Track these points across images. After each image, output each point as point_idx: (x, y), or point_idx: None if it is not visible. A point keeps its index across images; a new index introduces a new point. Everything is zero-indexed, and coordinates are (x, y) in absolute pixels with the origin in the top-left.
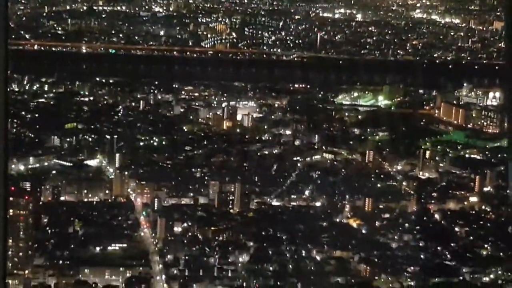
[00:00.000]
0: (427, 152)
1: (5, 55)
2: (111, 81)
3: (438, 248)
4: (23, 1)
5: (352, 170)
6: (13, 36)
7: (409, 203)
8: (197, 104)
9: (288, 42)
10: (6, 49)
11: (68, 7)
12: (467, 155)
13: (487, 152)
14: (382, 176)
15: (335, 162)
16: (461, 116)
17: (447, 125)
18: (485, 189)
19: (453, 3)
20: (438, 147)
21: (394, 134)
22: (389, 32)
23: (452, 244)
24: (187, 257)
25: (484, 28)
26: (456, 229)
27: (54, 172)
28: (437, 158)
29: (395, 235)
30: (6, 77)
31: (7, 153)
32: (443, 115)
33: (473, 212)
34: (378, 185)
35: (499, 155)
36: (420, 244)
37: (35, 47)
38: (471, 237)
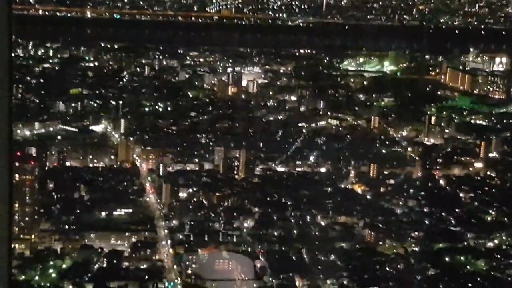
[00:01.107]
0: (433, 118)
1: (8, 20)
2: (115, 46)
3: (443, 213)
4: None
5: (357, 136)
6: (17, 1)
7: (414, 169)
8: (202, 70)
9: (294, 7)
10: (9, 13)
11: None
12: (472, 121)
13: (492, 118)
14: (387, 142)
15: (340, 128)
16: (467, 81)
17: (453, 91)
18: (490, 155)
19: None
20: (444, 113)
21: (400, 100)
22: None
23: (456, 210)
24: (192, 222)
25: None
26: (461, 194)
27: (59, 137)
28: (442, 124)
29: (400, 200)
30: (11, 42)
31: (12, 119)
32: (449, 81)
33: (478, 178)
34: (383, 151)
35: (504, 121)
36: (425, 210)
37: (40, 12)
38: (476, 203)
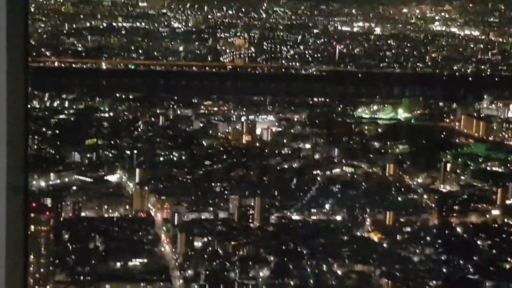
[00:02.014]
0: (448, 165)
1: (25, 72)
2: (130, 96)
3: (461, 261)
4: (43, 19)
5: (373, 183)
6: (34, 54)
7: (430, 216)
8: (216, 118)
9: (307, 56)
10: (26, 66)
11: (88, 24)
12: (488, 168)
13: (508, 165)
14: (402, 189)
15: (355, 176)
16: (482, 128)
17: (468, 138)
18: (508, 202)
19: (472, 16)
20: (459, 159)
21: (415, 147)
22: (408, 45)
23: (474, 258)
24: (207, 272)
25: (504, 40)
26: (479, 242)
27: (74, 187)
28: (458, 171)
29: (417, 248)
30: (27, 95)
31: (28, 170)
32: (463, 127)
33: (496, 225)
34: (399, 198)
35: None
36: (442, 258)
37: (56, 64)
38: (494, 251)
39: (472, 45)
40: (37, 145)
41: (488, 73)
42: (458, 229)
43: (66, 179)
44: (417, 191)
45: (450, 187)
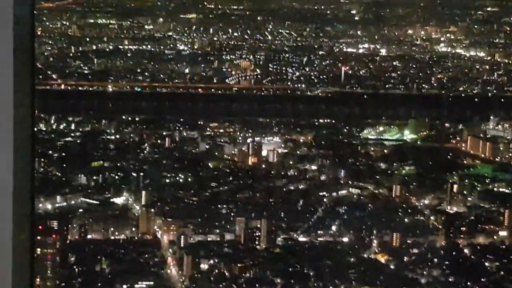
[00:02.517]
0: (455, 186)
1: (32, 96)
2: (136, 119)
3: (468, 283)
4: (50, 42)
5: (379, 204)
6: (40, 77)
7: (437, 237)
8: (222, 140)
9: (312, 77)
10: (33, 90)
11: (94, 47)
12: (495, 189)
13: None
14: (409, 210)
15: (361, 197)
16: (488, 149)
17: (475, 159)
18: None
19: (477, 37)
20: (466, 180)
21: (421, 168)
22: (414, 66)
23: (482, 279)
24: None
25: (510, 61)
26: (486, 264)
27: (81, 210)
28: (465, 192)
29: (424, 270)
30: (34, 118)
31: (34, 192)
32: (470, 148)
33: (503, 246)
34: (406, 220)
35: None
36: (450, 279)
37: (62, 86)
38: (502, 272)
39: (477, 66)
40: (43, 168)
41: (494, 94)
42: (466, 251)
43: (73, 202)
44: (424, 212)
45: (457, 208)
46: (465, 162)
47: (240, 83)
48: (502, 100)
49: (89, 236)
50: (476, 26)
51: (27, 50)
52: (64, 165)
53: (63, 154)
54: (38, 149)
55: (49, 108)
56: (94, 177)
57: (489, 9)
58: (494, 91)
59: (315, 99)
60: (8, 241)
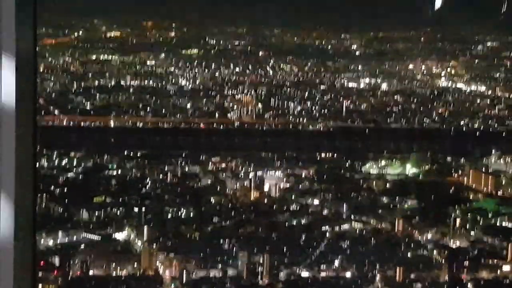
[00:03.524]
0: (457, 220)
1: (34, 132)
2: (138, 154)
3: None
4: (52, 78)
5: (382, 239)
6: (42, 113)
7: (441, 272)
8: (224, 175)
9: (314, 112)
10: (35, 127)
11: (96, 83)
12: (498, 223)
13: None
14: (412, 245)
15: (364, 232)
16: (490, 183)
17: (477, 193)
18: None
19: (478, 71)
20: (469, 215)
21: (423, 202)
22: (415, 100)
23: None
24: None
25: (511, 96)
26: None
27: (82, 246)
28: (468, 226)
29: None
30: (36, 155)
31: (36, 228)
32: (472, 182)
33: (507, 281)
34: (409, 254)
35: None
36: None
37: (64, 122)
38: None
39: (478, 101)
40: (45, 204)
41: (496, 128)
42: (469, 285)
43: (74, 237)
44: (426, 247)
45: (460, 242)
46: (467, 196)
47: (242, 118)
48: (504, 134)
49: (91, 272)
50: (476, 61)
51: (29, 88)
52: (66, 201)
53: (65, 189)
54: (40, 185)
55: (51, 144)
56: (96, 213)
57: (489, 44)
58: (496, 125)
59: (317, 134)
60: (9, 278)
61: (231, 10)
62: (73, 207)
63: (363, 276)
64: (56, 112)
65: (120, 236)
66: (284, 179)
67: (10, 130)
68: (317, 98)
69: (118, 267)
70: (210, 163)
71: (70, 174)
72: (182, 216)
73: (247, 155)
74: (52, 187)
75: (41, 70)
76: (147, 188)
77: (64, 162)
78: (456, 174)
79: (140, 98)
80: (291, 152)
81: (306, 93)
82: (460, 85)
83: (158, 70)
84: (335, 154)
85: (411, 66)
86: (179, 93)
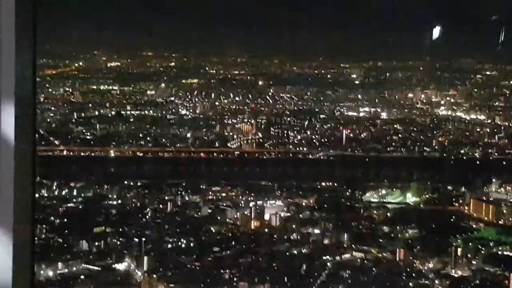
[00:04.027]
0: (459, 250)
1: (33, 163)
2: (138, 183)
3: None
4: (52, 108)
5: (383, 268)
6: (42, 143)
7: None
8: (224, 204)
9: (314, 140)
10: (34, 157)
11: (96, 113)
12: (499, 252)
13: None
14: (413, 274)
15: (365, 261)
16: (491, 212)
17: (478, 222)
18: None
19: (477, 100)
20: (470, 244)
21: (424, 231)
22: (415, 129)
23: None
24: None
25: (510, 124)
26: None
27: (82, 277)
28: (469, 255)
29: None
30: (34, 185)
31: (34, 260)
32: (473, 211)
33: None
34: (410, 284)
35: None
36: None
37: (64, 152)
38: None
39: (478, 129)
40: (45, 234)
41: (496, 156)
42: None
43: (74, 268)
44: (428, 276)
45: (461, 272)
46: (468, 225)
47: (242, 147)
48: (504, 162)
49: None
50: (475, 90)
51: (29, 118)
52: (66, 231)
53: (65, 220)
54: (40, 216)
55: (51, 174)
56: (96, 243)
57: (488, 72)
58: (496, 153)
59: (317, 162)
60: None
61: (230, 39)
62: (73, 237)
63: None
64: (57, 142)
65: (120, 266)
66: (285, 208)
67: (9, 161)
68: (317, 127)
69: None
70: (210, 192)
71: (70, 204)
72: (182, 246)
73: (247, 184)
74: (52, 217)
75: (42, 101)
76: (147, 218)
77: (64, 192)
78: (456, 203)
79: (140, 127)
80: (291, 181)
81: (306, 122)
82: (459, 113)
83: (158, 100)
84: (336, 183)
85: (410, 95)
86: (179, 123)
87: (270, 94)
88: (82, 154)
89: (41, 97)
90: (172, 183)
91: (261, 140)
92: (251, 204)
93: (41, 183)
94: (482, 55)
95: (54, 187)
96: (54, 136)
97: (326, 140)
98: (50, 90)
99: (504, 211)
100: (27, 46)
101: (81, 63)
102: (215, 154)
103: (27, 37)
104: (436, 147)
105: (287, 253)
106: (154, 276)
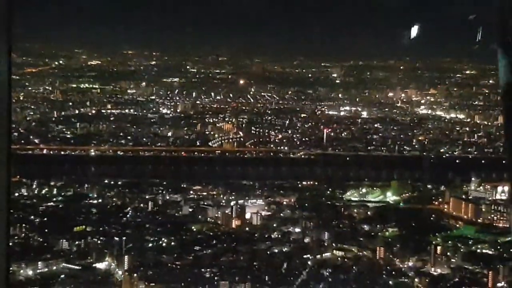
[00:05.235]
0: (438, 248)
1: (8, 162)
2: (119, 183)
3: None
4: (32, 107)
5: (363, 267)
6: (22, 141)
7: None
8: (205, 203)
9: (295, 139)
10: (9, 156)
11: (77, 111)
12: (478, 250)
13: (498, 247)
14: (393, 272)
15: (345, 259)
16: (470, 210)
17: (457, 220)
18: (499, 284)
19: (457, 99)
20: (449, 242)
21: (404, 230)
22: (395, 128)
23: None
24: None
25: (489, 123)
26: None
27: (62, 276)
28: (448, 253)
29: None
30: (10, 184)
31: (10, 261)
32: (452, 210)
33: None
34: (390, 282)
35: (511, 250)
36: None
37: (44, 151)
38: None
39: (458, 128)
40: (24, 233)
41: (475, 155)
42: None
43: (54, 267)
44: (408, 274)
45: (441, 270)
46: (448, 223)
47: (223, 146)
48: (483, 161)
49: None
50: (455, 89)
51: (3, 117)
52: (46, 230)
53: (45, 219)
54: (19, 215)
55: (31, 173)
56: (76, 242)
57: (467, 72)
58: (475, 152)
59: (298, 161)
60: None
61: (212, 38)
62: (53, 236)
63: None
64: (36, 141)
65: (100, 265)
66: (266, 207)
67: None
68: (297, 126)
69: None
70: (191, 191)
71: (50, 203)
72: (163, 245)
73: (228, 183)
74: (32, 216)
75: (21, 99)
76: (127, 217)
77: (44, 191)
78: (436, 202)
79: (121, 126)
80: (272, 180)
81: (287, 121)
82: (439, 112)
83: (138, 99)
84: (316, 182)
85: (391, 94)
86: (160, 122)
87: (251, 93)
88: (62, 153)
89: (20, 96)
90: (153, 182)
91: (242, 139)
92: (232, 203)
93: (20, 182)
94: (461, 55)
95: (34, 186)
96: (33, 135)
97: (307, 139)
98: (30, 88)
99: (483, 210)
100: (2, 44)
101: (61, 62)
102: (196, 153)
103: (2, 35)
104: (416, 146)
105: (268, 252)
106: (135, 275)
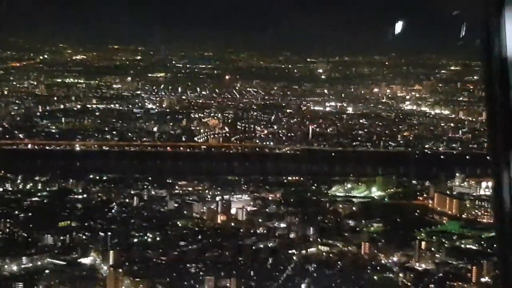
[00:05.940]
0: (423, 243)
1: None
2: (104, 178)
3: None
4: (17, 102)
5: (348, 262)
6: (7, 136)
7: None
8: (190, 198)
9: (280, 135)
10: None
11: (62, 106)
12: (463, 246)
13: (482, 242)
14: (378, 267)
15: (330, 255)
16: (455, 206)
17: (442, 216)
18: (483, 279)
19: (442, 95)
20: (434, 237)
21: (389, 225)
22: (380, 124)
23: None
24: None
25: (474, 119)
26: None
27: (47, 271)
28: (433, 248)
29: None
30: None
31: None
32: (437, 205)
33: None
34: (375, 277)
35: (494, 245)
36: None
37: (29, 146)
38: None
39: (442, 124)
40: (9, 228)
41: (459, 151)
42: None
43: (39, 263)
44: (392, 270)
45: (425, 265)
46: (432, 219)
47: (209, 141)
48: (467, 157)
49: None
50: (440, 85)
51: None
52: (30, 226)
53: (30, 214)
54: (4, 210)
55: (15, 168)
56: (61, 237)
57: (452, 68)
58: (459, 148)
59: (283, 157)
60: None
61: (197, 33)
62: (38, 231)
63: None
64: (21, 135)
65: (85, 261)
66: (251, 202)
67: None
68: (283, 122)
69: None
70: (176, 187)
71: (34, 198)
72: (148, 240)
73: (214, 178)
74: (16, 211)
75: (6, 94)
76: (112, 212)
77: (28, 186)
78: (421, 197)
79: (106, 121)
80: (258, 176)
81: (273, 116)
82: (424, 108)
83: (124, 94)
84: (302, 178)
85: (376, 90)
86: (146, 117)
87: (237, 88)
88: (47, 148)
89: (5, 90)
90: (138, 177)
91: (227, 134)
92: (217, 198)
93: (5, 177)
94: (446, 51)
95: (19, 181)
96: (18, 130)
97: (292, 134)
98: (14, 83)
99: (468, 205)
100: None
101: (46, 56)
102: (181, 148)
103: None
104: (401, 142)
105: (253, 247)
106: (120, 270)
